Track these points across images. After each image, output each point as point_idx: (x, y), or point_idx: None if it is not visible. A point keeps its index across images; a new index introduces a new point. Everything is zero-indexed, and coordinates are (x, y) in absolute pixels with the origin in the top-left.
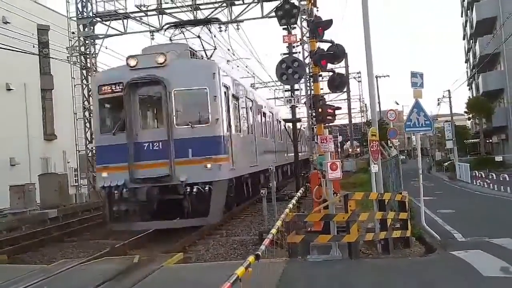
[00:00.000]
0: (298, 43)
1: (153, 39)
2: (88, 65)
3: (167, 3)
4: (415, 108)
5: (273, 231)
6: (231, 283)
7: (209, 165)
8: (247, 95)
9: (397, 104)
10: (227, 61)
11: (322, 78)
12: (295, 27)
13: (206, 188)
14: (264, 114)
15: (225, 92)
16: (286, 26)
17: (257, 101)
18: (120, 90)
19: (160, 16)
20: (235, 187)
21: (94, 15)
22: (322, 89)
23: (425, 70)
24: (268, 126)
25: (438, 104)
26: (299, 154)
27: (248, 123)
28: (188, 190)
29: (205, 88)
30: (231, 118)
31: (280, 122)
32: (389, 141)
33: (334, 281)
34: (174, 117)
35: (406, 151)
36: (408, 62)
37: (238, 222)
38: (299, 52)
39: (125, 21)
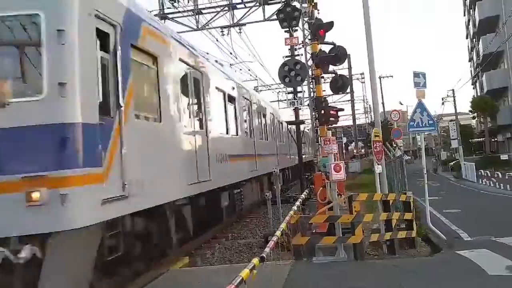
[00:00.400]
0: (300, 45)
1: None
2: None
3: (169, 8)
4: (418, 108)
5: (278, 233)
6: (235, 285)
7: (36, 195)
8: (180, 56)
9: (401, 104)
10: (230, 64)
11: (325, 80)
12: (297, 30)
13: (23, 253)
14: (233, 98)
15: (100, 31)
16: (287, 29)
17: (210, 72)
18: None
19: (163, 21)
20: (141, 232)
21: None
22: (324, 90)
23: (428, 70)
24: (240, 117)
25: (443, 103)
26: (303, 156)
27: (190, 108)
28: None
29: (37, 14)
30: (121, 89)
31: (264, 115)
32: (393, 141)
33: (340, 282)
34: None
35: (411, 151)
36: (411, 61)
37: (243, 225)
38: (301, 55)
39: None
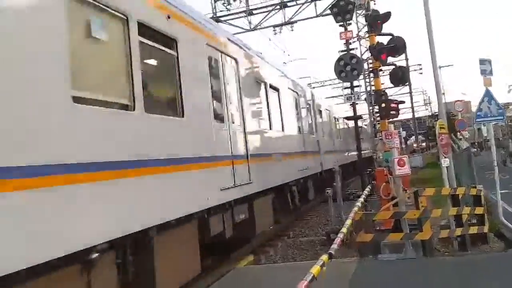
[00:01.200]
0: (355, 39)
1: None
2: None
3: (222, 11)
4: (485, 97)
5: (344, 230)
6: (308, 281)
7: None
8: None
9: (464, 94)
10: (283, 62)
11: (383, 72)
12: (350, 23)
13: None
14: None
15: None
16: (342, 23)
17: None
18: None
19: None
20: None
21: None
22: (383, 83)
23: (491, 55)
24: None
25: (509, 91)
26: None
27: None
28: None
29: None
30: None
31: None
32: (458, 133)
33: (410, 279)
34: None
35: (476, 143)
36: (471, 49)
37: (304, 223)
38: (356, 48)
39: None
